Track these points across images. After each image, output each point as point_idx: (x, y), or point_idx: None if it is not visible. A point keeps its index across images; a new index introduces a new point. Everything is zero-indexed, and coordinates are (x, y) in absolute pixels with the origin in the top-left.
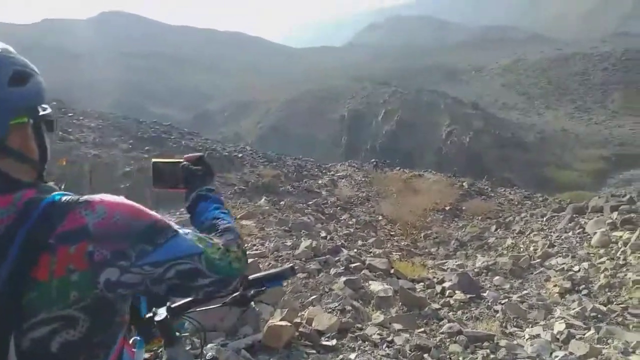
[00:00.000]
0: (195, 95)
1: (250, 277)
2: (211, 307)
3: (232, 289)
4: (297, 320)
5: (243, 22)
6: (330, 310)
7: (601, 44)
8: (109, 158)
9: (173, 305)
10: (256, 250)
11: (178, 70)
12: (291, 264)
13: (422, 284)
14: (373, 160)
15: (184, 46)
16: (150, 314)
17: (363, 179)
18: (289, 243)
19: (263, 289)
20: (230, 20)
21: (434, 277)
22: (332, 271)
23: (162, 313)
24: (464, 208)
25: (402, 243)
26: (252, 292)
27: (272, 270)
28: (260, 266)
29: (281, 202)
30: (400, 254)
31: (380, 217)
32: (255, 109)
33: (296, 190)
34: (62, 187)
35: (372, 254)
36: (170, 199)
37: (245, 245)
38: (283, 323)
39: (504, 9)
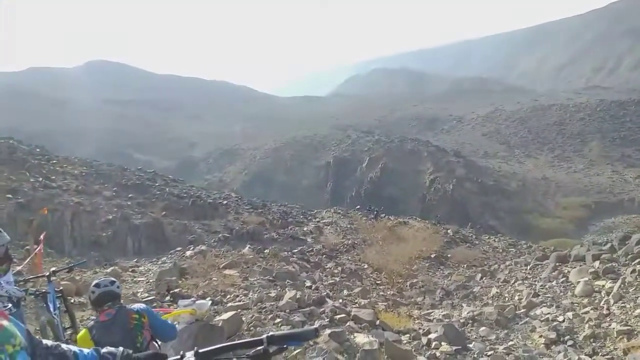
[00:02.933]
0: (180, 142)
1: (275, 334)
2: (234, 357)
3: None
4: None
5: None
6: None
7: (576, 95)
8: (92, 206)
9: (201, 351)
10: (239, 301)
11: (163, 118)
12: (315, 326)
13: (408, 335)
14: (372, 207)
15: (170, 94)
16: (178, 357)
17: (348, 226)
18: (273, 294)
19: (285, 347)
20: (215, 70)
21: (420, 328)
22: (317, 323)
23: (190, 357)
24: (449, 256)
25: (388, 292)
26: (274, 348)
27: (296, 330)
28: (243, 318)
29: (265, 250)
30: (386, 303)
31: (366, 266)
32: (240, 156)
33: (281, 237)
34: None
35: (357, 305)
36: (152, 249)
37: (228, 296)
38: None
39: (479, 62)
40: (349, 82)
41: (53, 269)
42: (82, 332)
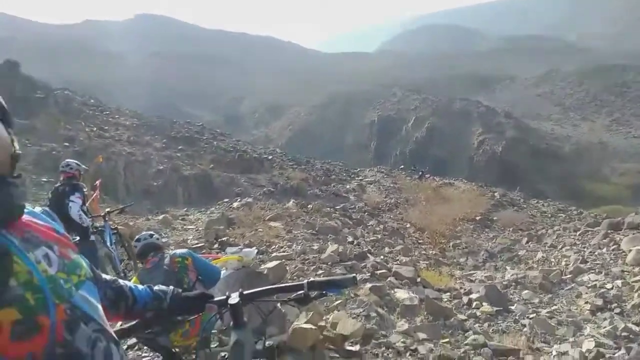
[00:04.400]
0: (227, 97)
1: (315, 280)
2: (276, 300)
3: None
4: (322, 323)
5: (275, 27)
6: (355, 315)
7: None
8: (143, 156)
9: (245, 292)
10: (283, 252)
11: (210, 72)
12: (354, 274)
13: (448, 294)
14: (417, 167)
15: (216, 48)
16: (224, 297)
17: (392, 185)
18: (315, 247)
19: (324, 292)
20: (262, 25)
21: (461, 288)
22: (358, 277)
23: (235, 297)
24: (495, 219)
25: (430, 252)
26: (314, 294)
27: (335, 277)
28: (287, 268)
29: (309, 206)
30: (427, 262)
31: (408, 225)
32: (285, 112)
33: (324, 193)
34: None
35: (399, 262)
36: (201, 199)
37: (273, 246)
38: (308, 326)
39: (537, 20)
40: (397, 38)
41: (107, 209)
42: (133, 279)
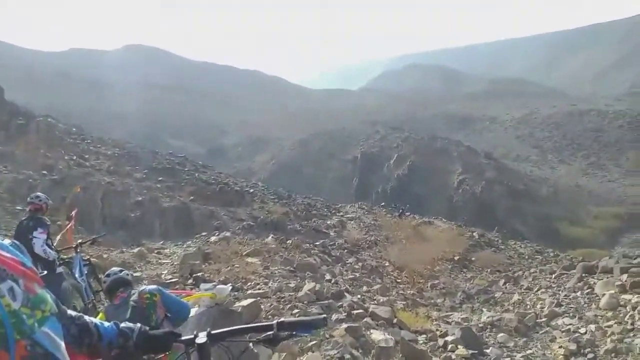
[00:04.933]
0: (211, 129)
1: (285, 320)
2: (245, 340)
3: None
4: None
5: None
6: (329, 357)
7: (616, 102)
8: (122, 186)
9: (213, 332)
10: (259, 289)
11: (196, 104)
12: (324, 315)
13: (424, 336)
14: (397, 205)
15: (204, 81)
16: (192, 336)
17: (372, 222)
18: (292, 284)
19: (294, 333)
20: (248, 59)
21: (437, 330)
22: (334, 317)
23: (202, 337)
24: (473, 259)
25: (408, 291)
26: (284, 334)
27: (306, 318)
28: (262, 306)
29: (288, 241)
30: (405, 302)
31: (387, 263)
32: (269, 146)
33: (304, 229)
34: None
35: (376, 302)
36: (178, 232)
37: (249, 283)
38: None
39: (518, 63)
40: (381, 77)
41: (80, 240)
42: (99, 315)
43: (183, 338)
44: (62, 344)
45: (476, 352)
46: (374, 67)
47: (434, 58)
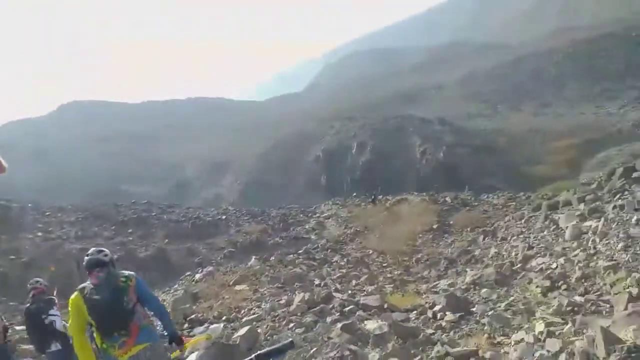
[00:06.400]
0: (169, 166)
1: (260, 352)
2: None
3: None
4: None
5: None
6: (330, 359)
7: (546, 41)
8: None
9: None
10: (253, 314)
11: (147, 146)
12: (291, 339)
13: (415, 312)
14: (369, 192)
15: (149, 121)
16: None
17: (349, 215)
18: (283, 300)
19: None
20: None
21: (426, 303)
22: (328, 319)
23: None
24: (451, 222)
25: (395, 273)
26: None
27: (275, 346)
28: (259, 330)
29: (271, 258)
30: (393, 285)
31: (370, 251)
32: (230, 167)
33: (285, 240)
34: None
35: (365, 293)
36: (161, 279)
37: (242, 311)
38: None
39: (446, 28)
40: (322, 74)
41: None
42: (74, 294)
43: None
44: None
45: (463, 313)
46: (311, 66)
47: (366, 43)
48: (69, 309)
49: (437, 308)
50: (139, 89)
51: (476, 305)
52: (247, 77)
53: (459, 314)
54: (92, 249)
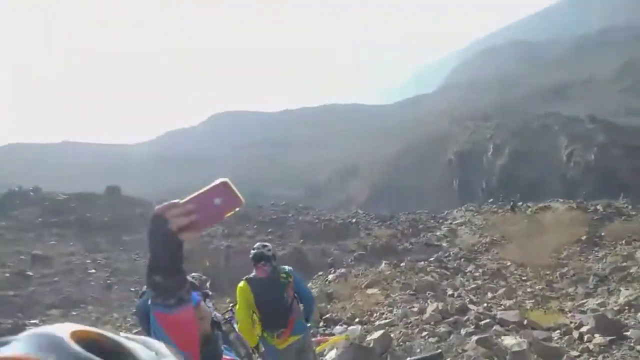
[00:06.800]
0: (302, 170)
1: (411, 359)
2: None
3: None
4: None
5: (335, 93)
6: None
7: None
8: (240, 246)
9: None
10: (385, 318)
11: (283, 152)
12: (440, 351)
13: (559, 331)
14: (504, 197)
15: (286, 128)
16: None
17: (484, 223)
18: (416, 308)
19: None
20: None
21: (572, 322)
22: (463, 331)
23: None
24: (602, 234)
25: (536, 287)
26: None
27: (425, 355)
28: (392, 335)
29: (402, 264)
30: (533, 301)
31: (508, 263)
32: (361, 172)
33: (415, 246)
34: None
35: (502, 307)
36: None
37: (375, 314)
38: None
39: (598, 14)
40: (455, 71)
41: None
42: (242, 283)
43: None
44: None
45: (615, 337)
46: (447, 63)
47: (506, 36)
48: (237, 296)
49: (584, 329)
50: (277, 98)
51: (631, 330)
52: (378, 81)
53: (610, 337)
54: (257, 244)
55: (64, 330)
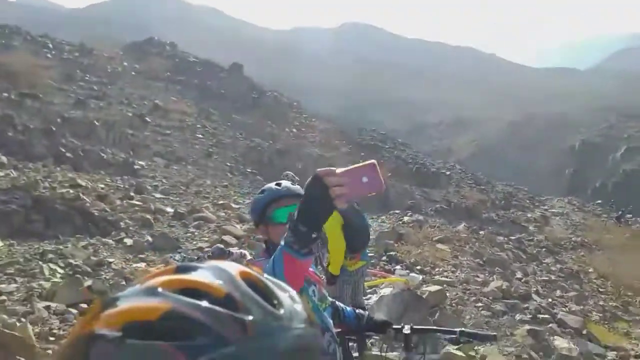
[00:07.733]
0: (414, 106)
1: (465, 330)
2: (436, 337)
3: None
4: (472, 353)
5: (476, 39)
6: (506, 353)
7: None
8: (331, 159)
9: (415, 327)
10: (446, 276)
11: (402, 81)
12: (494, 333)
13: (615, 352)
14: (613, 203)
15: (413, 58)
16: (400, 326)
17: (582, 221)
18: (480, 278)
19: (470, 340)
20: (462, 36)
21: (632, 350)
22: (518, 317)
23: (407, 329)
24: None
25: (611, 304)
26: (463, 339)
27: (480, 332)
28: (447, 294)
29: (481, 232)
30: (601, 315)
31: (591, 269)
32: (473, 126)
33: (501, 219)
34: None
35: (567, 309)
36: (374, 207)
37: (437, 269)
38: (459, 353)
39: None
40: (617, 55)
41: None
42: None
43: (394, 327)
44: (331, 322)
45: None
46: (605, 44)
47: None
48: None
49: None
50: (415, 24)
51: None
52: (528, 39)
53: None
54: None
55: (233, 268)
